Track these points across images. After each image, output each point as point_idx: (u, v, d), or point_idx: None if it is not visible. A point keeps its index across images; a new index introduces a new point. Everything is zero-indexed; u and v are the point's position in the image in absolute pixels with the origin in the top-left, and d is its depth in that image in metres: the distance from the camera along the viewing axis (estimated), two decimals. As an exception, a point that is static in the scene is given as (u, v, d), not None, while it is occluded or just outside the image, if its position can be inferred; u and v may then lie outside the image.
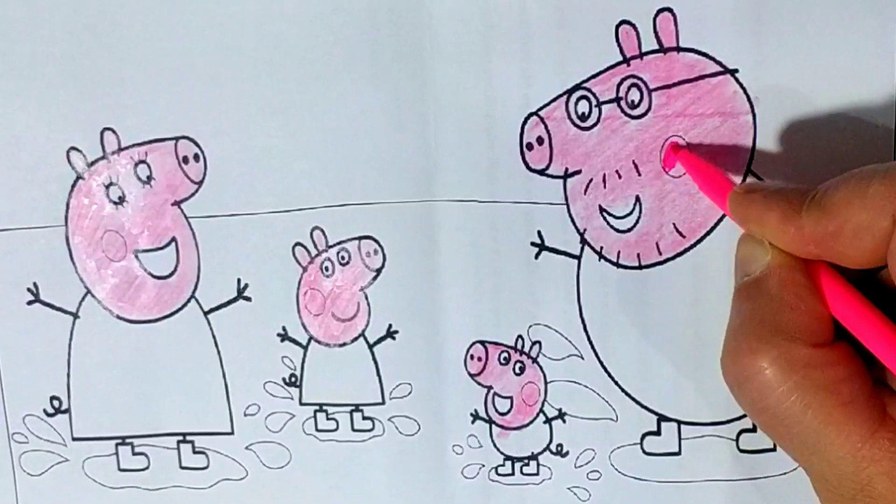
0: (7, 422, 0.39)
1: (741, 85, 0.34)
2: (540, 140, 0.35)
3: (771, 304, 0.29)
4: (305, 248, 0.37)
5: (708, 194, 0.34)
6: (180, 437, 0.39)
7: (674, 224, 0.35)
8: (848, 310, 0.29)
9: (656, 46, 0.34)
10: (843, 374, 0.28)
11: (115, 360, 0.38)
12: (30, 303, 0.38)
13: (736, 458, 0.37)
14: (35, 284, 0.38)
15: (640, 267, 0.36)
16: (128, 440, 0.39)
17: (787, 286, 0.29)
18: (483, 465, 0.38)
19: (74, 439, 0.39)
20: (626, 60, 0.34)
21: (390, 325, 0.38)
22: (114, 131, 0.36)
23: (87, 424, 0.39)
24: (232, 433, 0.39)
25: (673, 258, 0.35)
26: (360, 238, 0.37)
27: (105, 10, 0.35)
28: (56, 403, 0.39)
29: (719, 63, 0.34)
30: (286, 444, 0.39)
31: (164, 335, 0.38)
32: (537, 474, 0.38)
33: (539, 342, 0.37)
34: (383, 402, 0.38)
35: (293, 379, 0.38)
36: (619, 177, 0.35)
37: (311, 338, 0.38)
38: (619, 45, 0.34)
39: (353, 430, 0.38)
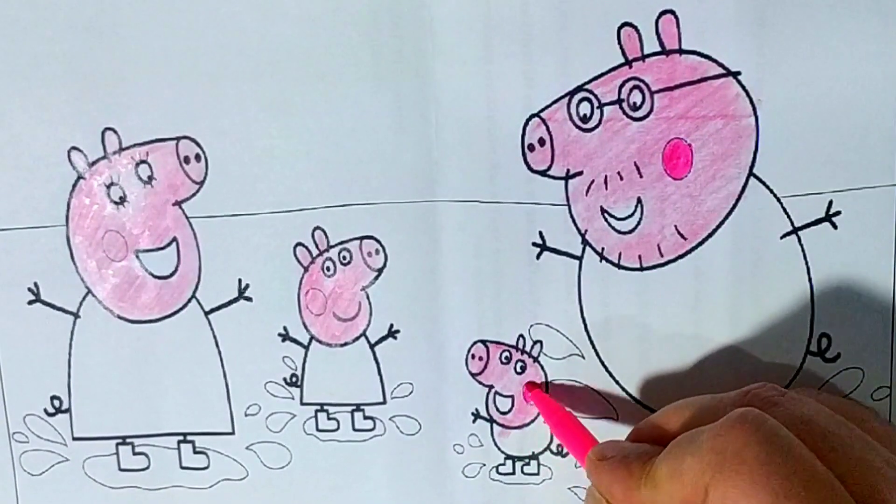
0: (7, 421, 0.39)
1: (744, 87, 0.34)
2: (542, 141, 0.35)
3: None
4: (307, 248, 0.37)
5: (563, 442, 0.36)
6: (181, 437, 0.39)
7: (675, 226, 0.35)
8: None
9: (658, 48, 0.34)
10: None
11: (116, 359, 0.38)
12: (30, 302, 0.38)
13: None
14: (36, 284, 0.38)
15: (641, 268, 0.36)
16: (128, 440, 0.39)
17: None
18: (484, 465, 0.38)
19: (75, 439, 0.39)
20: (628, 62, 0.34)
21: (391, 325, 0.38)
22: (115, 131, 0.36)
23: (88, 424, 0.39)
24: (233, 433, 0.39)
25: (674, 260, 0.35)
26: (361, 238, 0.37)
27: (106, 10, 0.35)
28: (56, 403, 0.39)
29: (722, 65, 0.34)
30: (287, 444, 0.39)
31: (165, 335, 0.38)
32: (538, 474, 0.38)
33: (540, 342, 0.37)
34: (384, 402, 0.38)
35: (294, 379, 0.38)
36: (621, 178, 0.35)
37: (312, 337, 0.38)
38: (620, 46, 0.34)
39: (354, 429, 0.39)
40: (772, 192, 0.34)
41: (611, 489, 0.31)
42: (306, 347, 0.38)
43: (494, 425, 0.38)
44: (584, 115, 0.35)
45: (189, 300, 0.38)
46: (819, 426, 0.28)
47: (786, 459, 0.26)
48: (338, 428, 0.39)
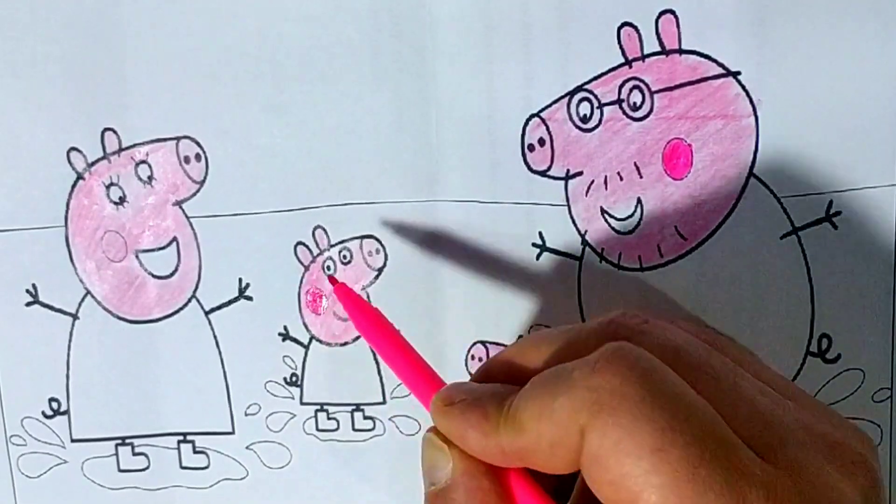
0: (5, 424, 0.39)
1: (744, 87, 0.34)
2: (542, 141, 0.35)
3: None
4: (307, 247, 0.37)
5: (396, 372, 0.33)
6: (181, 437, 0.39)
7: (675, 226, 0.35)
8: None
9: (658, 48, 0.34)
10: None
11: (115, 360, 0.38)
12: (29, 304, 0.38)
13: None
14: (34, 286, 0.38)
15: (641, 269, 0.36)
16: (128, 440, 0.39)
17: (473, 494, 0.29)
18: (484, 465, 0.38)
19: (73, 441, 0.39)
20: (627, 62, 0.34)
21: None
22: (114, 131, 0.36)
23: (87, 425, 0.39)
24: (233, 433, 0.39)
25: (674, 260, 0.36)
26: (361, 237, 0.37)
27: (106, 11, 0.35)
28: (55, 405, 0.38)
29: (721, 65, 0.34)
30: (287, 444, 0.39)
31: (165, 335, 0.38)
32: (538, 473, 0.38)
33: (540, 342, 0.37)
34: (384, 402, 0.38)
35: (294, 378, 0.38)
36: (621, 178, 0.35)
37: (312, 337, 0.38)
38: (620, 46, 0.34)
39: (354, 429, 0.38)
40: (772, 192, 0.34)
41: (465, 436, 0.28)
42: (306, 347, 0.38)
43: (494, 425, 0.38)
44: (584, 115, 0.35)
45: (189, 300, 0.37)
46: (690, 355, 0.27)
47: (666, 393, 0.25)
48: (337, 428, 0.39)
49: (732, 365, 0.27)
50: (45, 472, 0.39)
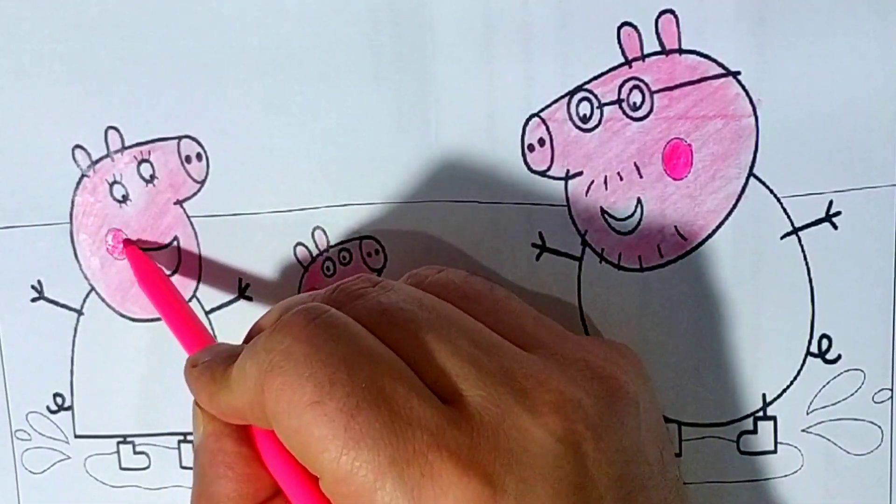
0: (10, 419, 0.39)
1: (744, 87, 0.34)
2: (541, 141, 0.35)
3: (204, 476, 0.30)
4: (307, 248, 0.37)
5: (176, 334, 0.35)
6: (181, 437, 0.39)
7: (675, 226, 0.35)
8: (281, 466, 0.29)
9: (658, 48, 0.34)
10: None
11: (119, 357, 0.38)
12: (34, 300, 0.38)
13: (737, 459, 0.36)
14: (39, 282, 0.38)
15: (641, 269, 0.36)
16: (129, 439, 0.39)
17: (215, 456, 0.30)
18: (483, 466, 0.38)
19: (77, 437, 0.39)
20: (627, 62, 0.34)
21: (391, 326, 0.38)
22: (117, 130, 0.37)
23: (90, 422, 0.39)
24: (233, 432, 0.39)
25: (674, 260, 0.35)
26: (361, 238, 0.37)
27: (109, 10, 0.36)
28: (59, 400, 0.39)
29: (721, 65, 0.34)
30: (286, 444, 0.39)
31: (166, 334, 0.38)
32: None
33: (540, 343, 0.37)
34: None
35: (294, 378, 0.38)
36: (621, 179, 0.35)
37: (312, 337, 0.38)
38: (620, 46, 0.34)
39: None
40: (772, 192, 0.34)
41: (198, 397, 0.31)
42: (306, 347, 0.38)
43: (494, 427, 0.38)
44: (584, 115, 0.35)
45: (189, 300, 0.38)
46: (398, 312, 0.28)
47: (334, 349, 0.27)
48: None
49: (446, 317, 0.29)
50: (48, 468, 0.39)
